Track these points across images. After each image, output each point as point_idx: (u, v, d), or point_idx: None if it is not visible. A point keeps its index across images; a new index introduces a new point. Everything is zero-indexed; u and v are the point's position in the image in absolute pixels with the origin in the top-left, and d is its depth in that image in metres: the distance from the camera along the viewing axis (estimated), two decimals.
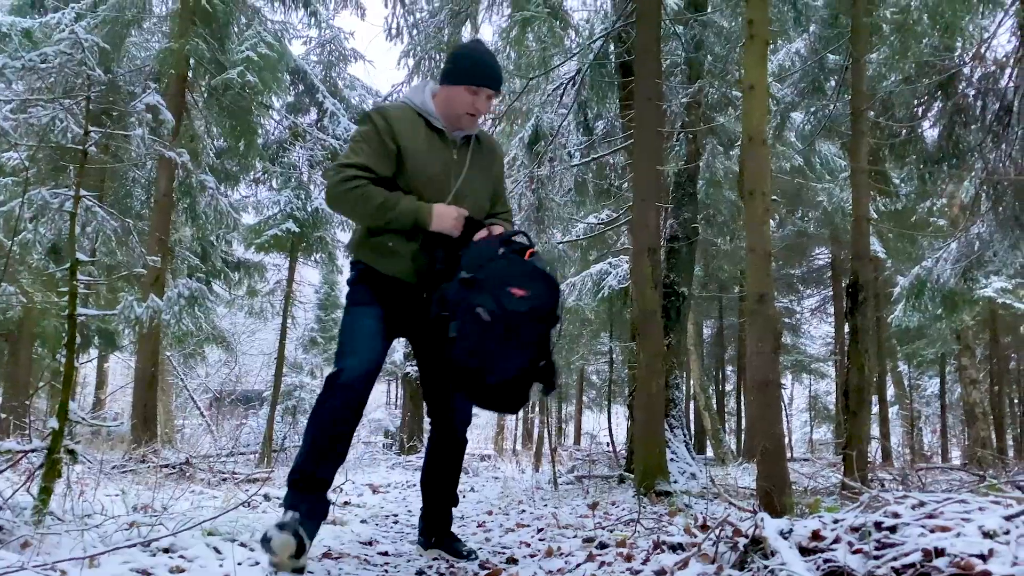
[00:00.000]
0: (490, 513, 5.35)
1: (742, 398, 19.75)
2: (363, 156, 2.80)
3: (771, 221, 4.78)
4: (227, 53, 11.07)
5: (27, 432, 4.57)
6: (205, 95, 11.84)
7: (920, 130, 9.39)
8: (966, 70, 8.89)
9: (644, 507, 4.88)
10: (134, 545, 3.16)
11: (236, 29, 11.60)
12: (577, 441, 25.64)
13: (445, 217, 2.82)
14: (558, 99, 9.92)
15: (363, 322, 2.84)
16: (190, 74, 11.25)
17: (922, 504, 2.81)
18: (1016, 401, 18.89)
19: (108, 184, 12.27)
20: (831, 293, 19.01)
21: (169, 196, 10.57)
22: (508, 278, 2.70)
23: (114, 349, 14.57)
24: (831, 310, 19.58)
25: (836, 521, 2.81)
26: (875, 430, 14.25)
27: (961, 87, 8.93)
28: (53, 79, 7.09)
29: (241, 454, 13.30)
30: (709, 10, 9.16)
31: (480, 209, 3.05)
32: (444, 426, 3.18)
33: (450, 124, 2.95)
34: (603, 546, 3.26)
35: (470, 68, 2.89)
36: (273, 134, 14.11)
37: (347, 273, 3.18)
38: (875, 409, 14.23)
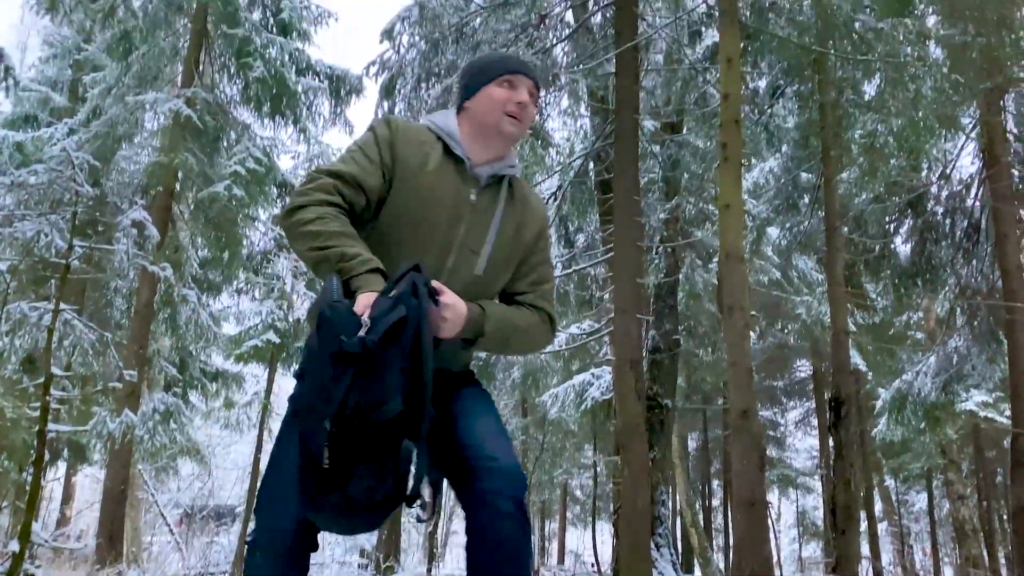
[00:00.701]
0: None
1: (729, 514, 19.34)
2: (347, 165, 1.94)
3: (751, 334, 4.82)
4: (215, 167, 11.29)
5: None
6: (192, 207, 12.00)
7: (893, 246, 9.65)
8: (933, 189, 9.23)
9: None
10: None
11: (225, 144, 11.88)
12: (561, 560, 24.79)
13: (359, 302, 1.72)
14: None
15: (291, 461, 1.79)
16: (178, 187, 11.43)
17: None
18: (1005, 517, 18.61)
19: (89, 294, 12.23)
20: (814, 405, 18.96)
21: (150, 307, 10.54)
22: None
23: (84, 463, 14.15)
24: (815, 422, 19.48)
25: None
26: (865, 548, 13.92)
27: (930, 205, 9.24)
28: (41, 194, 7.19)
29: (210, 574, 12.73)
30: (684, 131, 9.53)
31: (491, 281, 2.02)
32: (479, 496, 1.83)
33: (480, 151, 2.01)
34: None
35: (496, 60, 2.08)
36: (258, 245, 14.22)
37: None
38: (864, 526, 13.95)
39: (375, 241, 1.93)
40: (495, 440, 1.87)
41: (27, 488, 3.45)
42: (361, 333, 1.64)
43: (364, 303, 1.70)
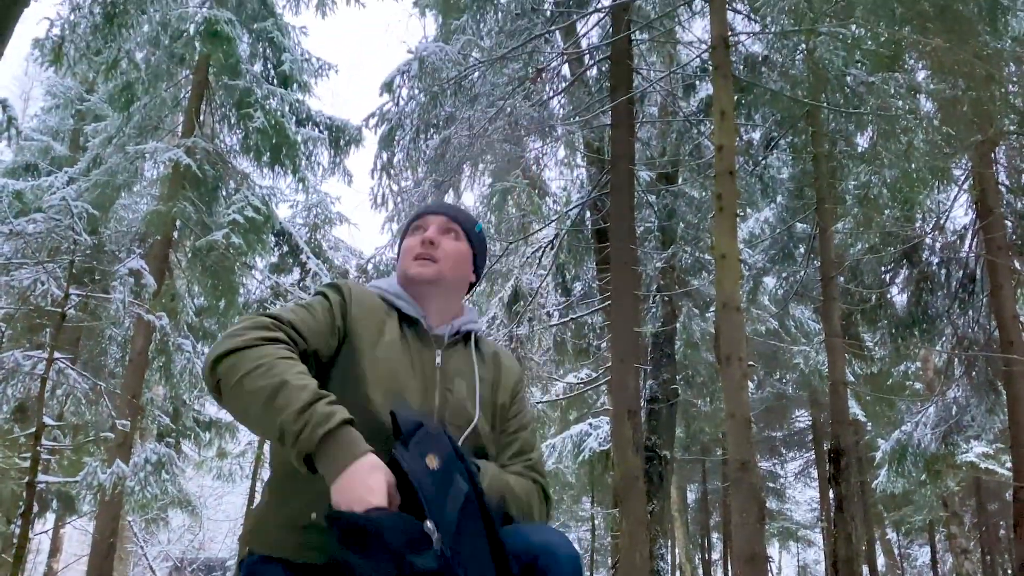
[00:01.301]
0: None
1: (729, 567, 19.02)
2: (299, 319, 1.62)
3: (749, 384, 4.79)
4: (214, 215, 11.34)
5: None
6: (189, 255, 12.01)
7: (889, 296, 9.67)
8: (928, 240, 9.29)
9: None
10: None
11: (224, 193, 11.96)
12: None
13: (355, 486, 1.38)
14: (537, 261, 10.18)
15: None
16: (175, 235, 11.47)
17: None
18: (1010, 572, 18.30)
19: (83, 342, 12.18)
20: (814, 456, 18.80)
21: (144, 355, 10.48)
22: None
23: (73, 515, 13.91)
24: (815, 473, 19.29)
25: None
26: None
27: (925, 256, 9.29)
28: (39, 243, 7.21)
29: None
30: (680, 182, 9.62)
31: (473, 448, 1.74)
32: None
33: (431, 311, 1.77)
34: None
35: (413, 213, 1.92)
36: (255, 293, 14.22)
37: None
38: None
39: None
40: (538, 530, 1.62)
41: (14, 540, 3.38)
42: (435, 545, 1.34)
43: (379, 489, 1.37)
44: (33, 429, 3.46)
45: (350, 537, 1.38)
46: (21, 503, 3.43)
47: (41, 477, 3.45)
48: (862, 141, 8.86)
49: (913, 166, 7.45)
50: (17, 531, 3.43)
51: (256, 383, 1.44)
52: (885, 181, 8.02)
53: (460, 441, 1.60)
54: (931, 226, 9.64)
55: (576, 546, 1.58)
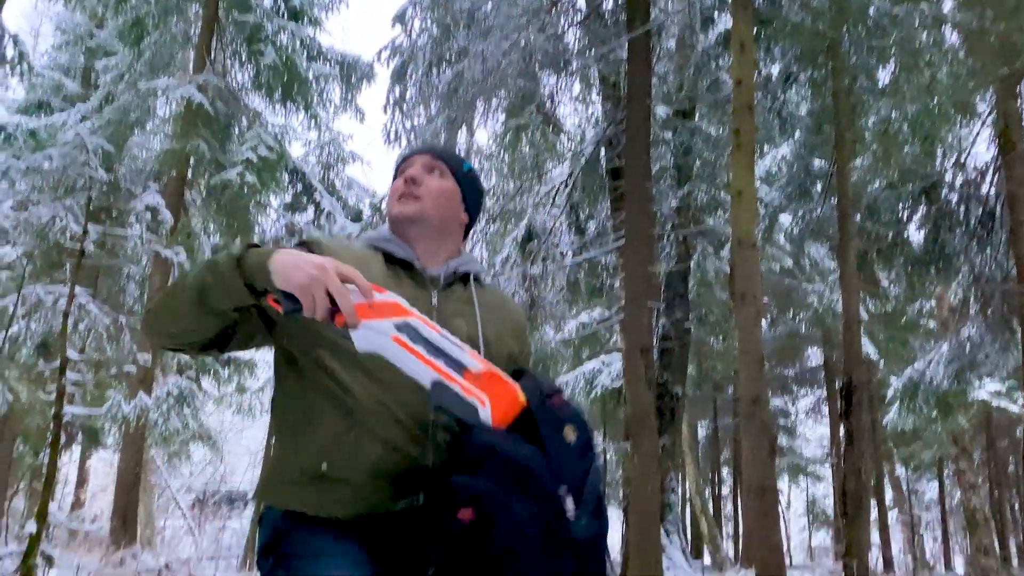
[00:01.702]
0: None
1: (739, 501, 19.37)
2: None
3: (763, 323, 4.81)
4: (227, 153, 11.32)
5: (2, 534, 4.45)
6: (204, 194, 12.04)
7: (906, 234, 9.59)
8: (948, 177, 9.16)
9: None
10: None
11: (237, 131, 11.91)
12: None
13: (305, 275, 1.35)
14: (551, 201, 10.13)
15: None
16: (190, 173, 11.48)
17: None
18: (1017, 507, 18.55)
19: (102, 279, 12.31)
20: (825, 394, 18.93)
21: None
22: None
23: (98, 446, 14.29)
24: (826, 411, 19.45)
25: None
26: (875, 536, 13.92)
27: (944, 193, 9.17)
28: (56, 179, 7.22)
29: (223, 558, 12.87)
30: (696, 118, 9.48)
31: None
32: None
33: (423, 253, 1.72)
34: None
35: (398, 159, 1.86)
36: (269, 232, 14.27)
37: None
38: (874, 514, 13.94)
39: (317, 383, 1.56)
40: None
41: (43, 471, 3.49)
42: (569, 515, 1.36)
43: (325, 262, 1.35)
44: (57, 363, 3.54)
45: (478, 455, 1.36)
46: (48, 435, 3.52)
47: (67, 409, 3.54)
48: (884, 75, 8.67)
49: (935, 100, 7.30)
50: (46, 461, 3.53)
51: (164, 300, 1.51)
52: (906, 116, 7.87)
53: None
54: (951, 163, 9.49)
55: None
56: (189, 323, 1.52)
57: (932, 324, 14.25)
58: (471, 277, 1.75)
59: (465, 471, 1.37)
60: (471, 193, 1.79)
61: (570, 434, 1.45)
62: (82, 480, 18.42)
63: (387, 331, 1.36)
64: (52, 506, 3.38)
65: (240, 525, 18.78)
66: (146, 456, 14.09)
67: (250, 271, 1.39)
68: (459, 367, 1.37)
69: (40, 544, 3.19)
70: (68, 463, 16.52)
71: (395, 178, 1.78)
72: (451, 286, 1.71)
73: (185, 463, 20.73)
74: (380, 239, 1.72)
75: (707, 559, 15.72)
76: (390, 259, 1.69)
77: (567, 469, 1.41)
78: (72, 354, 3.55)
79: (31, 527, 3.29)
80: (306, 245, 1.60)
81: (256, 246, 1.44)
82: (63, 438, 3.85)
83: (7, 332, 6.53)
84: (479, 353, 1.58)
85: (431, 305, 1.64)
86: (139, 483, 11.07)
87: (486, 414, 1.33)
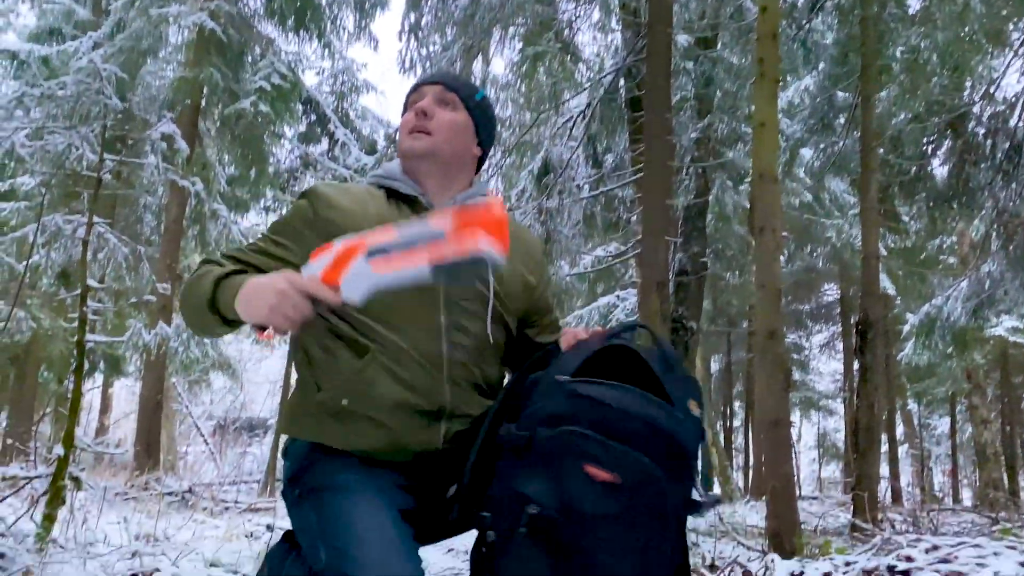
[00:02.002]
0: None
1: (750, 434, 19.59)
2: (244, 251, 1.63)
3: (780, 257, 4.77)
4: (241, 83, 11.20)
5: (32, 458, 4.57)
6: (218, 124, 11.97)
7: (930, 168, 9.41)
8: (976, 109, 8.93)
9: None
10: (135, 575, 3.13)
11: (250, 59, 11.75)
12: None
13: (265, 306, 1.37)
14: (568, 132, 9.99)
15: (368, 515, 1.45)
16: (203, 103, 11.38)
17: (936, 548, 2.76)
18: None
19: (119, 210, 12.36)
20: (840, 329, 18.92)
21: (180, 223, 10.65)
22: (582, 444, 1.33)
23: (120, 375, 14.57)
24: (840, 346, 19.47)
25: (848, 564, 2.76)
26: (885, 469, 14.09)
27: (971, 126, 8.95)
28: (70, 107, 7.18)
29: (244, 482, 13.23)
30: (719, 47, 9.24)
31: (499, 337, 1.68)
32: None
33: (432, 188, 1.69)
34: None
35: (409, 88, 1.80)
36: (284, 163, 14.22)
37: None
38: (884, 448, 14.08)
39: (335, 327, 1.57)
40: None
41: (68, 397, 3.56)
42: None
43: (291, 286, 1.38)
44: (78, 291, 3.57)
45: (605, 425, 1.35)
46: (72, 362, 3.58)
47: (89, 337, 3.59)
48: (914, 2, 8.38)
49: (967, 29, 7.06)
50: (71, 388, 3.60)
51: (184, 300, 1.58)
52: (936, 45, 7.63)
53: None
54: (980, 95, 9.24)
55: None
56: (211, 333, 1.62)
57: (952, 260, 14.12)
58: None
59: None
60: (484, 124, 1.75)
61: (694, 408, 1.44)
62: (105, 407, 18.86)
63: (362, 269, 1.36)
64: (78, 431, 3.46)
65: (260, 452, 19.26)
66: (167, 384, 14.37)
67: (221, 310, 1.48)
68: (436, 237, 1.35)
69: (67, 468, 3.27)
70: (92, 389, 16.89)
71: (405, 110, 1.74)
72: None
73: (206, 391, 21.16)
74: (386, 176, 1.70)
75: (717, 489, 16.01)
76: (394, 195, 1.68)
77: (692, 443, 1.42)
78: (92, 283, 3.58)
79: (58, 451, 3.37)
80: (305, 196, 1.64)
81: (228, 271, 1.51)
82: (86, 365, 3.92)
83: (28, 261, 6.61)
84: (489, 287, 1.60)
85: None
86: (161, 410, 11.33)
87: (490, 251, 1.32)
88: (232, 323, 1.50)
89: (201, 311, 1.51)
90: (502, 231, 1.34)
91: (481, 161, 1.80)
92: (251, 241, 1.67)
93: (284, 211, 1.70)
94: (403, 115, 1.74)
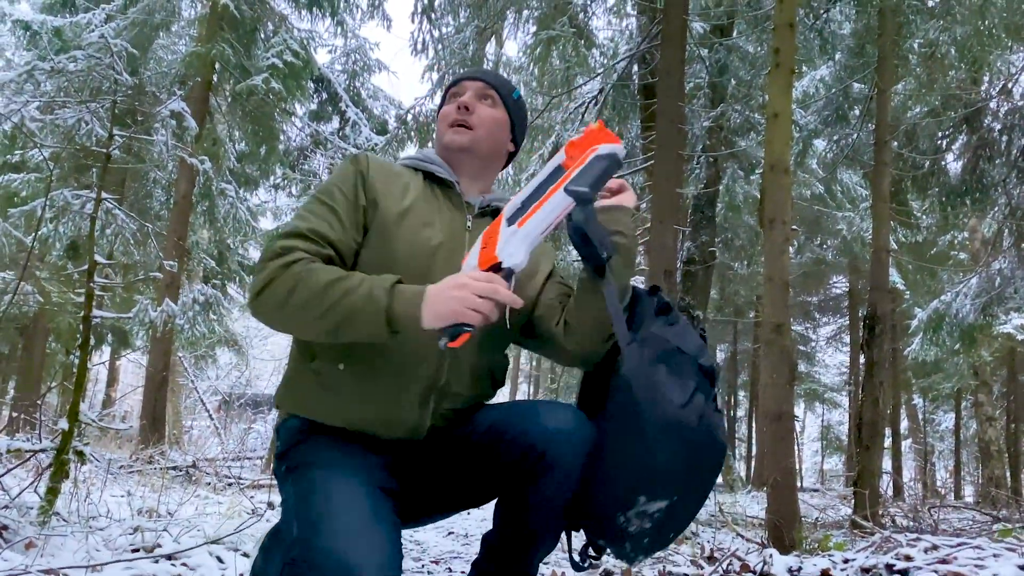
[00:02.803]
0: None
1: (754, 425, 19.60)
2: (315, 219, 1.59)
3: (790, 249, 4.75)
4: (253, 59, 11.16)
5: (37, 430, 4.60)
6: (229, 100, 11.94)
7: (943, 163, 9.33)
8: (992, 105, 8.83)
9: None
10: (137, 551, 3.15)
11: (263, 36, 11.70)
12: None
13: (451, 300, 1.39)
14: (580, 118, 9.93)
15: (345, 489, 1.45)
16: (215, 78, 11.35)
17: (935, 548, 2.76)
18: None
19: (129, 184, 12.37)
20: (847, 322, 18.86)
21: (188, 199, 10.65)
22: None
23: (127, 349, 14.66)
24: (847, 339, 19.43)
25: (846, 561, 2.75)
26: (887, 464, 14.08)
27: (987, 122, 8.87)
28: (80, 81, 7.17)
29: (247, 458, 13.32)
30: (734, 35, 9.15)
31: (499, 342, 1.73)
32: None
33: (464, 180, 1.75)
34: (609, 574, 3.21)
35: (451, 80, 1.84)
36: (295, 141, 14.19)
37: None
38: (888, 442, 14.06)
39: None
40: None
41: (74, 370, 3.58)
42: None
43: (475, 283, 1.40)
44: (86, 266, 3.58)
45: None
46: (78, 336, 3.60)
47: (96, 312, 3.59)
48: None
49: (986, 23, 6.97)
50: (76, 362, 3.61)
51: (302, 297, 1.46)
52: (955, 39, 7.54)
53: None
54: (997, 90, 9.15)
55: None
56: (308, 335, 1.56)
57: (963, 256, 14.03)
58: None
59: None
60: (520, 122, 1.82)
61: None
62: (112, 379, 18.99)
63: (510, 235, 1.43)
64: (83, 405, 3.48)
65: (264, 428, 19.39)
66: (173, 359, 14.44)
67: (398, 322, 1.43)
68: (558, 172, 1.48)
69: (72, 441, 3.29)
70: (99, 363, 17.00)
71: (443, 102, 1.80)
72: (484, 216, 1.72)
73: (211, 366, 21.26)
74: (424, 160, 1.75)
75: (719, 479, 16.03)
76: (430, 177, 1.73)
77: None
78: (100, 258, 3.58)
79: (63, 424, 3.39)
80: (354, 160, 1.68)
81: (398, 282, 1.46)
82: (93, 339, 3.94)
83: (36, 234, 6.63)
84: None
85: (466, 227, 1.69)
86: (167, 384, 11.39)
87: (605, 148, 1.46)
88: (396, 332, 1.45)
89: (351, 319, 1.44)
90: (607, 134, 1.45)
91: (511, 158, 1.85)
92: (310, 210, 1.61)
93: (329, 180, 1.67)
94: (441, 107, 1.79)
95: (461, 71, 9.75)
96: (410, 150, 10.29)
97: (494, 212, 1.73)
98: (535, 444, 1.49)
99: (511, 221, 1.42)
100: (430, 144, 1.64)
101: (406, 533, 3.78)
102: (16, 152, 9.09)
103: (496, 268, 1.40)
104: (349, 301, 1.44)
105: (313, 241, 1.54)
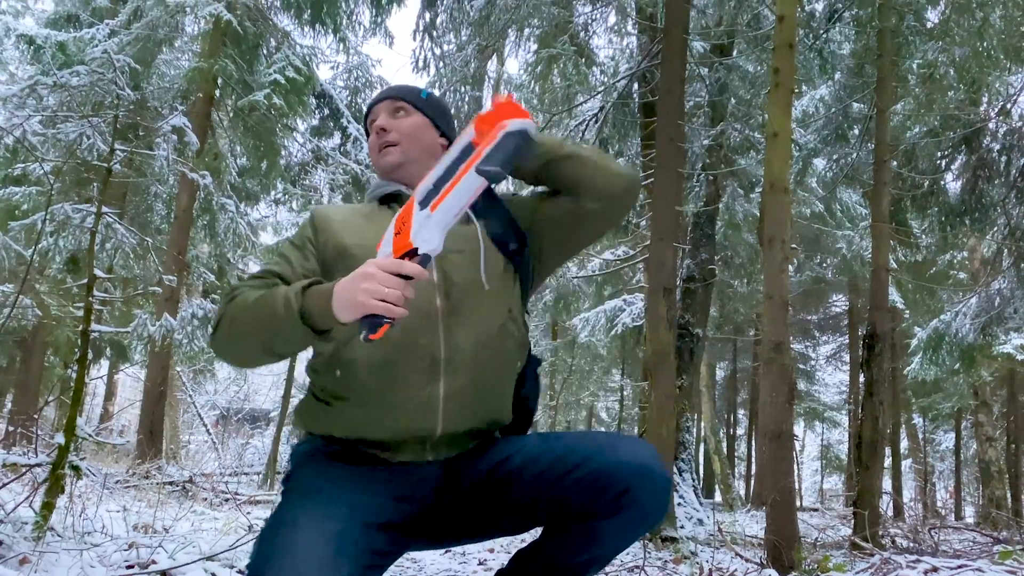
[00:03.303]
0: (492, 551, 5.28)
1: (753, 443, 19.53)
2: (267, 265, 1.67)
3: (789, 268, 4.75)
4: (255, 75, 11.21)
5: (34, 444, 4.58)
6: (231, 115, 11.98)
7: (943, 183, 9.36)
8: (991, 125, 8.87)
9: (649, 553, 4.79)
10: (132, 567, 3.13)
11: (265, 51, 11.76)
12: None
13: (358, 291, 1.36)
14: (580, 135, 9.97)
15: (313, 524, 1.40)
16: (217, 93, 11.40)
17: (935, 570, 2.74)
18: None
19: (129, 198, 12.39)
20: (847, 341, 18.84)
21: (189, 213, 10.66)
22: None
23: (125, 362, 14.62)
24: (847, 358, 19.40)
25: None
26: (887, 483, 14.02)
27: (986, 142, 8.90)
28: (83, 96, 7.20)
29: (244, 474, 13.25)
30: (735, 54, 9.20)
31: (498, 306, 1.63)
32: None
33: (409, 184, 1.74)
34: None
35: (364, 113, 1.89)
36: (296, 156, 14.23)
37: None
38: (888, 462, 14.01)
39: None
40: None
41: (71, 384, 3.57)
42: None
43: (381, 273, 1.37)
44: (85, 280, 3.57)
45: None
46: (77, 350, 3.59)
47: (94, 327, 3.59)
48: (933, 16, 8.33)
49: (985, 44, 7.01)
50: (74, 376, 3.60)
51: (238, 322, 1.53)
52: (953, 60, 7.58)
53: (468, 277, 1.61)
54: (996, 110, 9.19)
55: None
56: (261, 361, 1.61)
57: (962, 276, 14.04)
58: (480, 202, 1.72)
59: None
60: (439, 117, 1.84)
61: None
62: (110, 393, 18.94)
63: (423, 219, 1.39)
64: (80, 420, 3.46)
65: (262, 443, 19.32)
66: (172, 373, 14.40)
67: (314, 320, 1.44)
68: (467, 148, 1.40)
69: (68, 456, 3.27)
70: (97, 377, 16.94)
71: (367, 134, 1.86)
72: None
73: (210, 381, 21.23)
74: (371, 190, 1.82)
75: (718, 498, 15.97)
76: (384, 200, 1.77)
77: None
78: (99, 272, 3.58)
79: (60, 438, 3.37)
80: (310, 213, 1.75)
81: (312, 284, 1.48)
82: (91, 353, 3.93)
83: (36, 247, 6.63)
84: (480, 244, 1.63)
85: None
86: (165, 399, 11.35)
87: (515, 123, 1.38)
88: (323, 332, 1.46)
89: (275, 328, 1.47)
90: (516, 108, 1.39)
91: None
92: (273, 262, 1.68)
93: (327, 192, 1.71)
94: (368, 139, 1.85)
95: (464, 88, 9.79)
96: None
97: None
98: (617, 477, 1.45)
99: (423, 204, 1.38)
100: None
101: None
102: (17, 165, 9.12)
103: (411, 254, 1.37)
104: (270, 312, 1.47)
105: (261, 278, 1.60)
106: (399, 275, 1.35)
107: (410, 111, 1.81)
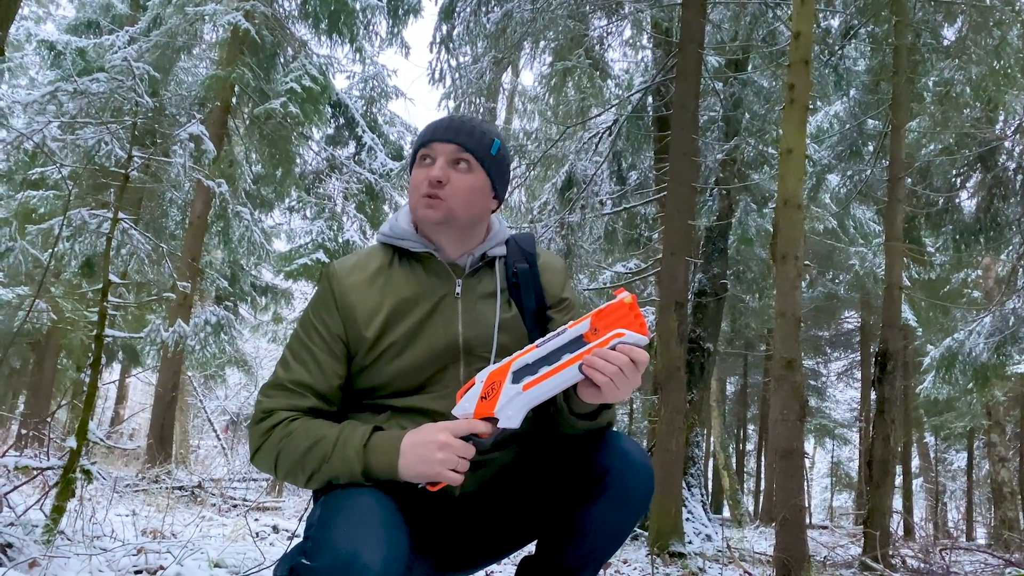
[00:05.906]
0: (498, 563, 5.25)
1: (762, 459, 19.42)
2: (296, 365, 1.59)
3: (802, 283, 4.73)
4: (272, 83, 11.30)
5: (46, 447, 4.61)
6: (247, 122, 12.07)
7: (958, 200, 9.32)
8: (1007, 143, 8.83)
9: (657, 568, 4.77)
10: (140, 572, 3.14)
11: (282, 60, 11.86)
12: None
13: (432, 462, 1.40)
14: (593, 148, 9.99)
15: (365, 498, 1.43)
16: (234, 101, 11.50)
17: None
18: None
19: (145, 204, 12.49)
20: (859, 358, 18.73)
21: (204, 220, 10.74)
22: None
23: (137, 367, 14.71)
24: (858, 375, 19.27)
25: None
26: (898, 503, 13.89)
27: (1001, 160, 8.86)
28: (102, 103, 7.28)
29: (253, 480, 13.27)
30: (749, 69, 9.20)
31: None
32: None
33: (445, 243, 1.64)
34: None
35: (420, 135, 1.69)
36: (311, 164, 14.32)
37: None
38: (899, 481, 13.89)
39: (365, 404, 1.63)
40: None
41: (84, 388, 3.59)
42: None
43: (446, 440, 1.42)
44: (100, 285, 3.60)
45: None
46: (90, 354, 3.61)
47: (108, 331, 3.62)
48: (949, 34, 8.30)
49: (1002, 63, 6.99)
50: (87, 379, 3.63)
51: (284, 467, 1.52)
52: (969, 78, 7.55)
53: (492, 367, 1.48)
54: (1012, 129, 9.15)
55: (616, 428, 1.62)
56: (304, 486, 1.57)
57: (976, 294, 13.95)
58: (499, 260, 1.68)
59: None
60: (500, 178, 1.69)
61: None
62: (122, 397, 19.04)
63: (513, 395, 1.41)
64: (92, 424, 3.49)
65: None
66: (183, 378, 14.47)
67: (375, 475, 1.45)
68: (578, 342, 1.41)
69: (79, 459, 3.29)
70: (109, 381, 17.03)
71: (414, 160, 1.66)
72: (477, 272, 1.66)
73: (220, 386, 21.31)
74: (396, 237, 1.65)
75: (727, 513, 15.87)
76: (406, 254, 1.65)
77: None
78: (114, 277, 3.61)
79: (71, 442, 3.40)
80: (328, 277, 1.64)
81: (378, 430, 1.49)
82: (104, 358, 3.96)
83: (52, 251, 6.69)
84: (493, 346, 1.60)
85: (455, 295, 1.61)
86: (176, 403, 11.41)
87: (630, 334, 1.38)
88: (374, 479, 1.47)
89: (330, 475, 1.47)
90: (638, 317, 1.39)
91: (497, 207, 1.75)
92: (293, 351, 1.62)
93: (310, 309, 1.66)
94: (412, 168, 1.67)
95: (458, 112, 9.83)
96: None
97: (490, 262, 1.68)
98: (598, 461, 1.53)
99: (517, 379, 1.41)
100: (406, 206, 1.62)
101: None
102: (35, 169, 9.22)
103: (490, 421, 1.42)
104: (328, 468, 1.47)
105: (293, 392, 1.56)
106: (468, 435, 1.41)
107: (473, 166, 1.61)
